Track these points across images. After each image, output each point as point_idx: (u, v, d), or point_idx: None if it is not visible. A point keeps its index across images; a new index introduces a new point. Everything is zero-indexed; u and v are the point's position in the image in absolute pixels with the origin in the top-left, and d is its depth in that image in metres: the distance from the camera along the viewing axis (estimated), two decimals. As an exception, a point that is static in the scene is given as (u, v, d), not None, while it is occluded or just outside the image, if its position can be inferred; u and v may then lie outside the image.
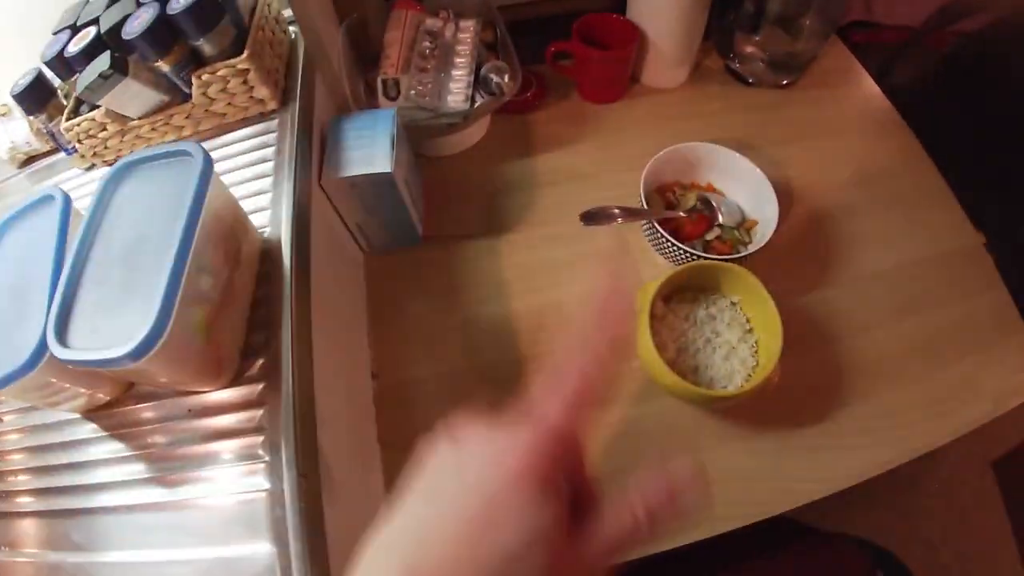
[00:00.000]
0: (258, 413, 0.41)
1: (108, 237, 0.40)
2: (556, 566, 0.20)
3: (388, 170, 0.51)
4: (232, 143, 0.54)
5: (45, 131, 0.58)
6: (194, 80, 0.51)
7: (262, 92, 0.53)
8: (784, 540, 0.65)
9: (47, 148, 0.60)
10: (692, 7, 0.63)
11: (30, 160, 0.62)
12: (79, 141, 0.55)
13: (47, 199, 0.43)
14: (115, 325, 0.35)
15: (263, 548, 0.37)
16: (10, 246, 0.43)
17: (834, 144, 0.69)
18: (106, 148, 0.56)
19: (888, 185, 0.66)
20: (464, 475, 0.21)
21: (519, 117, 0.69)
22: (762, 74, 0.69)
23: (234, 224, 0.44)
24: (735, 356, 0.54)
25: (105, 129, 0.54)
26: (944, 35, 0.83)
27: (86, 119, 0.53)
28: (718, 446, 0.53)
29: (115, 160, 0.56)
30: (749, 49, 0.68)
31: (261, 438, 0.40)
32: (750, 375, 0.53)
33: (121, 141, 0.55)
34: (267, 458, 0.40)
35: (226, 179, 0.50)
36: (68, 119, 0.54)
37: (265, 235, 0.48)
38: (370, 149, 0.53)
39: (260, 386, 0.42)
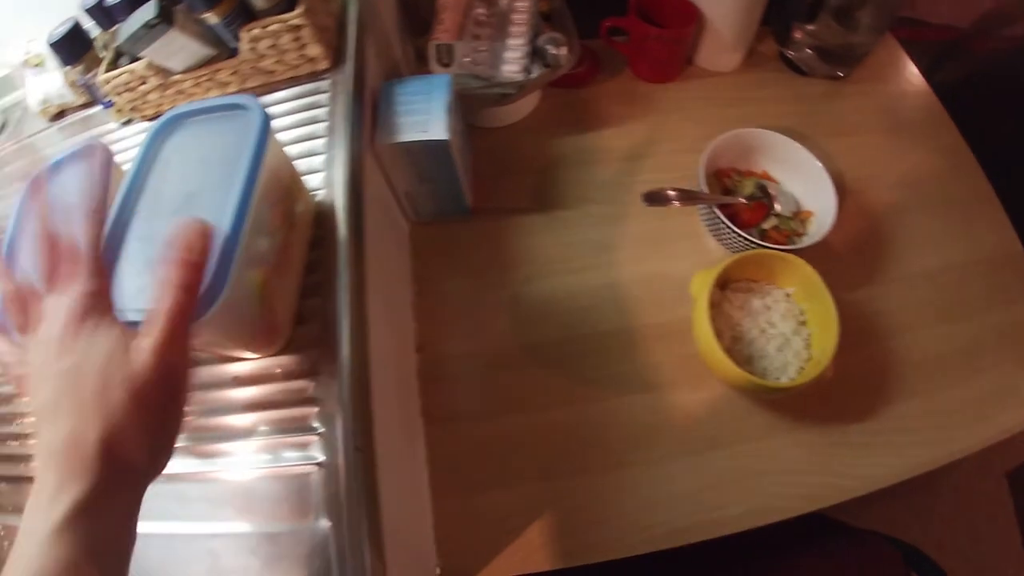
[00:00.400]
0: (311, 384, 0.39)
1: (156, 192, 0.37)
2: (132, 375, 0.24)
3: (444, 137, 0.49)
4: (280, 102, 0.52)
5: (80, 83, 0.56)
6: (243, 34, 0.49)
7: (314, 50, 0.50)
8: (814, 534, 0.65)
9: (81, 101, 0.58)
10: (753, -11, 0.61)
11: (61, 114, 0.59)
12: (117, 94, 0.53)
13: (89, 148, 0.41)
14: None
15: (315, 524, 0.35)
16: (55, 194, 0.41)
17: (885, 140, 0.67)
18: (145, 102, 0.53)
19: (936, 186, 0.66)
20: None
21: (570, 92, 0.67)
22: (816, 64, 0.67)
23: (291, 184, 0.42)
24: (789, 348, 0.52)
25: (145, 83, 0.52)
26: (990, 39, 0.83)
27: (125, 71, 0.51)
28: (766, 437, 0.53)
29: (155, 115, 0.54)
30: (804, 39, 0.66)
31: (315, 409, 0.38)
32: (802, 368, 0.52)
33: (162, 95, 0.53)
34: (321, 430, 0.38)
35: (277, 138, 0.48)
36: (107, 71, 0.52)
37: (318, 198, 0.46)
38: (425, 115, 0.51)
39: (313, 353, 0.40)
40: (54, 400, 0.24)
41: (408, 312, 0.54)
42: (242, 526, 0.36)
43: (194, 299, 0.27)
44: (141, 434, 0.24)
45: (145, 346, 0.25)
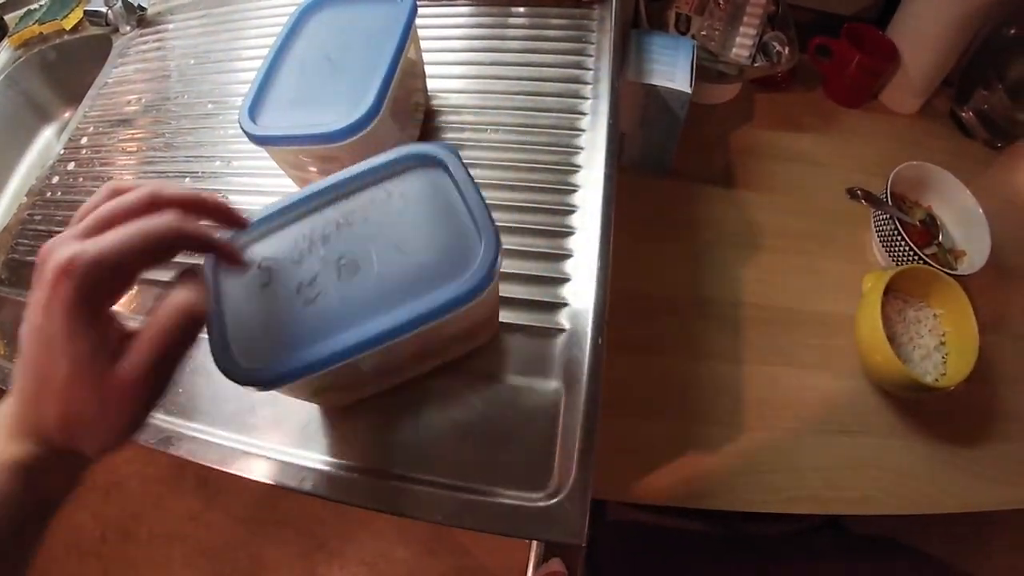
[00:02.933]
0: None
1: (300, 56, 0.43)
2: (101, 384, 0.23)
3: (687, 90, 0.54)
4: (545, 17, 0.56)
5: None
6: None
7: (590, -19, 0.55)
8: (859, 545, 0.69)
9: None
10: (951, 48, 0.67)
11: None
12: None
13: None
14: (315, 113, 0.40)
15: (551, 384, 0.38)
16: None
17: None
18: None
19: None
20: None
21: (766, 91, 0.73)
22: (979, 130, 0.73)
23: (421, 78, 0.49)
24: (929, 360, 0.57)
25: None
26: None
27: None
28: (888, 436, 0.57)
29: None
30: (977, 103, 0.72)
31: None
32: (937, 380, 0.57)
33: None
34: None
35: (540, 55, 0.53)
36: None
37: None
38: (672, 67, 0.56)
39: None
40: (44, 353, 0.23)
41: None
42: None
43: (197, 330, 0.26)
44: (104, 433, 0.24)
45: (136, 360, 0.24)
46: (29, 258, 0.56)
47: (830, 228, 0.64)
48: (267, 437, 0.40)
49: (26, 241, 0.58)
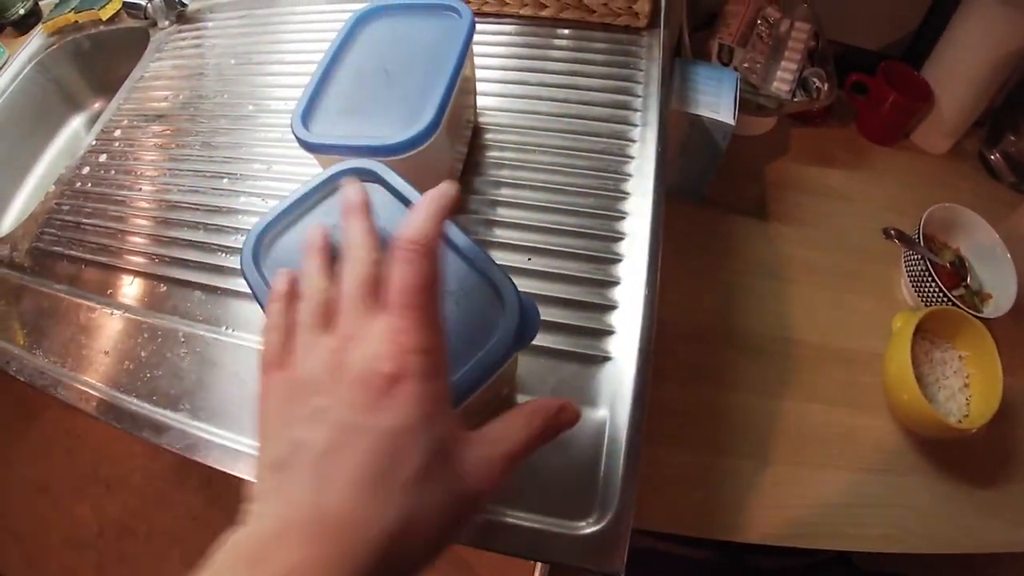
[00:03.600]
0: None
1: (354, 65, 0.43)
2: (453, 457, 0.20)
3: (731, 122, 0.55)
4: (590, 41, 0.56)
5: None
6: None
7: (643, 7, 0.55)
8: None
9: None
10: (984, 91, 0.68)
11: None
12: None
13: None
14: (370, 124, 0.39)
15: (597, 412, 0.38)
16: None
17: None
18: None
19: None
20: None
21: (801, 126, 0.73)
22: (1006, 173, 0.74)
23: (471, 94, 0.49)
24: (953, 401, 0.58)
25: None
26: None
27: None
28: (909, 474, 0.57)
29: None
30: (1006, 146, 0.73)
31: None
32: (960, 422, 0.57)
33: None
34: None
35: (587, 79, 0.53)
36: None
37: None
38: (716, 98, 0.56)
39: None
40: (335, 446, 0.19)
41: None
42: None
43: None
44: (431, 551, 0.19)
45: (494, 455, 0.21)
46: (55, 248, 0.55)
47: (859, 265, 0.64)
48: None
49: (52, 231, 0.57)
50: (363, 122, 0.40)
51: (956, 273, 0.63)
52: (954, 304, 0.58)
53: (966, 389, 0.59)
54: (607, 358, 0.40)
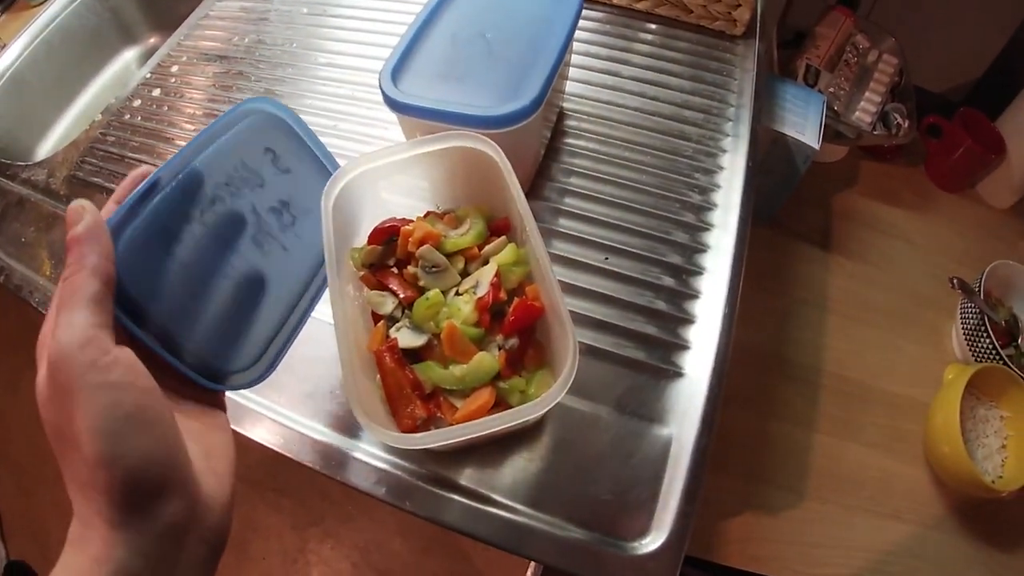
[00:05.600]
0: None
1: (448, 31, 0.41)
2: None
3: (815, 145, 0.53)
4: (682, 41, 0.54)
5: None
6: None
7: (743, 14, 0.53)
8: None
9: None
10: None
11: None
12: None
13: None
14: (465, 92, 0.37)
15: (663, 430, 0.37)
16: None
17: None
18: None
19: None
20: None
21: (871, 160, 0.72)
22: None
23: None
24: (989, 461, 0.57)
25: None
26: None
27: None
28: (935, 528, 0.56)
29: None
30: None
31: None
32: (994, 482, 0.56)
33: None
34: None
35: (676, 79, 0.51)
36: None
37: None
38: (803, 119, 0.55)
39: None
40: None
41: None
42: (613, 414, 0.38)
43: None
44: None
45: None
46: (94, 179, 0.53)
47: (913, 309, 0.63)
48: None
49: (94, 160, 0.55)
50: (457, 88, 0.38)
51: (1009, 332, 0.62)
52: (1004, 363, 0.57)
53: (1003, 450, 0.58)
54: (679, 373, 0.38)
